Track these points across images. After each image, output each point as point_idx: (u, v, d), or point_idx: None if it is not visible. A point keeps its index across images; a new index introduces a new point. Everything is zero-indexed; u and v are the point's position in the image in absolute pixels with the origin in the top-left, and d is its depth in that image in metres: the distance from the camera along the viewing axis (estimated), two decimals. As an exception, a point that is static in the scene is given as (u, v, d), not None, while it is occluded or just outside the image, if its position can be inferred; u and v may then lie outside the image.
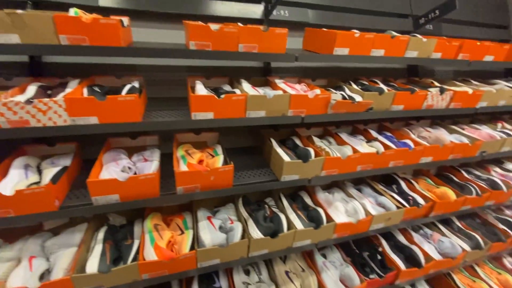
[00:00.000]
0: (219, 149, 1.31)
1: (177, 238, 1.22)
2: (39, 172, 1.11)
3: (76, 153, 1.24)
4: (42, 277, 1.06)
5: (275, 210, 1.40)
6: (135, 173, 1.15)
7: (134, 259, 1.13)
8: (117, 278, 1.09)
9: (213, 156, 1.27)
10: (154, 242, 1.17)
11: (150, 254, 1.14)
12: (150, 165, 1.18)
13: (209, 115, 1.07)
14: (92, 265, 1.08)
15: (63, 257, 1.11)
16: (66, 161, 1.17)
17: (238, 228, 1.27)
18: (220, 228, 1.26)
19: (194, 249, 1.16)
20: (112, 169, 1.13)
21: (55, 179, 1.04)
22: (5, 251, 1.13)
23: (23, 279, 1.02)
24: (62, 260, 1.09)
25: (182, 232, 1.24)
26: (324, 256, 1.56)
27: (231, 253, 1.24)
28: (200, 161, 1.22)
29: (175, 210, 1.44)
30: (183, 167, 1.17)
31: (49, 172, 1.08)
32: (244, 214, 1.37)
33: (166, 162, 1.30)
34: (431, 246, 1.68)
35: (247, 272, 1.43)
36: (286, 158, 1.27)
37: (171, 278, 1.19)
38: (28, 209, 0.95)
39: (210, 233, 1.23)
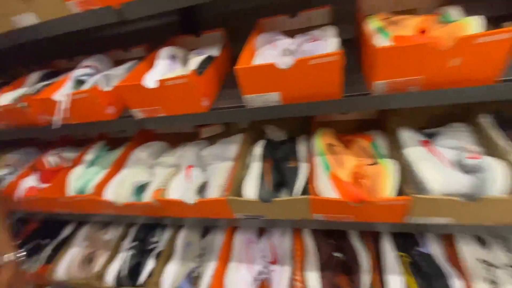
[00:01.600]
0: None
1: (367, 170, 0.74)
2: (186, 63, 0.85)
3: (224, 42, 0.90)
4: (200, 189, 0.90)
5: None
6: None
7: (304, 190, 0.77)
8: (281, 210, 0.79)
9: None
10: (329, 170, 0.76)
11: (325, 188, 0.74)
12: (323, 44, 0.69)
13: None
14: (250, 189, 0.81)
15: (218, 171, 0.91)
16: (213, 51, 0.86)
17: (493, 168, 0.63)
18: (455, 164, 0.67)
19: (406, 194, 0.66)
20: (268, 52, 0.71)
21: (200, 69, 0.75)
22: (168, 156, 1.05)
23: (182, 189, 0.90)
24: (217, 174, 0.90)
25: (374, 162, 0.75)
26: None
27: (479, 213, 0.66)
28: (420, 30, 0.61)
29: (350, 127, 0.94)
30: (383, 42, 0.60)
31: (193, 62, 0.80)
32: (503, 141, 0.69)
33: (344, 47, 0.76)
34: None
35: (484, 244, 0.81)
36: None
37: (354, 228, 0.78)
38: (174, 106, 0.72)
39: (436, 169, 0.67)
